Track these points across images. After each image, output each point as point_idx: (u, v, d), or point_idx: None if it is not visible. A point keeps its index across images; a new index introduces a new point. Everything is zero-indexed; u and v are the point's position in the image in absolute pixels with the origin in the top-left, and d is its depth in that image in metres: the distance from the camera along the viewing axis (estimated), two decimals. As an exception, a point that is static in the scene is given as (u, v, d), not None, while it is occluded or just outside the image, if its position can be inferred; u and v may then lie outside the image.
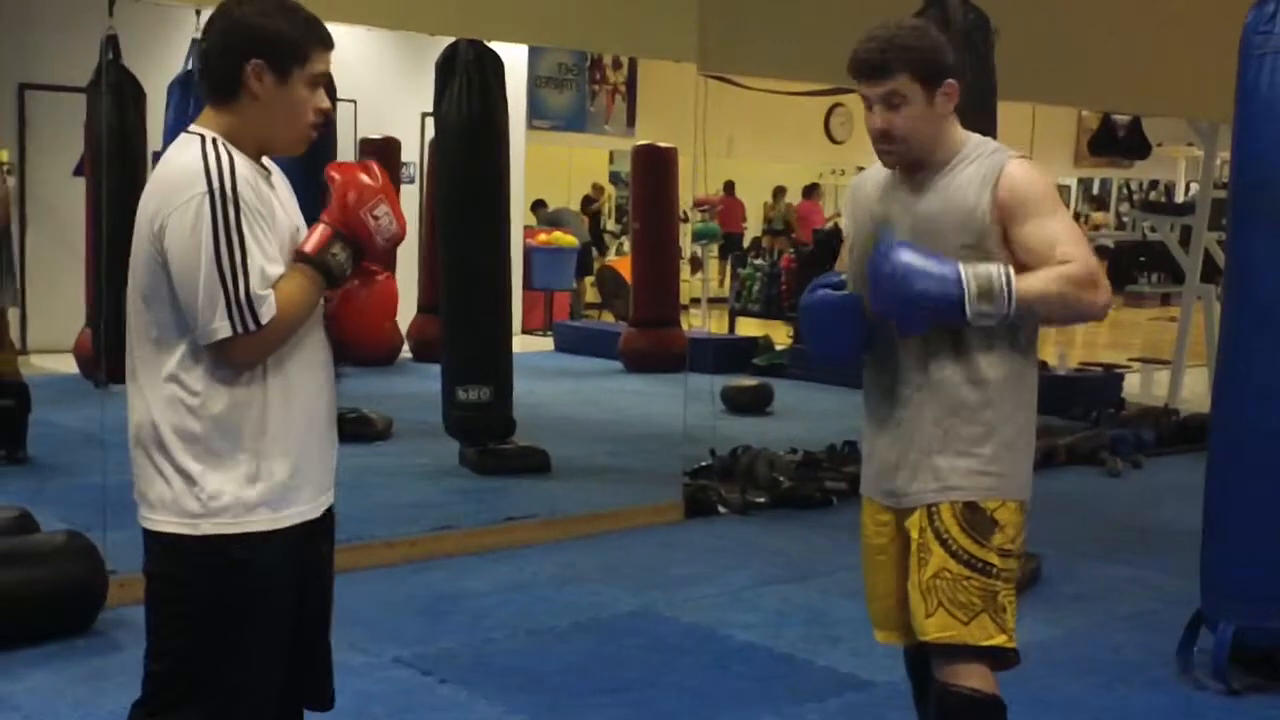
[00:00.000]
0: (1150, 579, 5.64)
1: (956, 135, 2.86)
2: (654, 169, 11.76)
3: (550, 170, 17.05)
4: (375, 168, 2.56)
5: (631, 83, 17.18)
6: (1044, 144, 10.60)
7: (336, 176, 2.51)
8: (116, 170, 7.32)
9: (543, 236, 14.88)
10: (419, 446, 7.73)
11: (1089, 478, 7.81)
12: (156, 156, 8.44)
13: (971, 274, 2.70)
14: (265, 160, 2.54)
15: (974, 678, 2.87)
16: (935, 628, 2.86)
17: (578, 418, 9.20)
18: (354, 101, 10.87)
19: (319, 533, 2.61)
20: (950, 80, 2.80)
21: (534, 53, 14.45)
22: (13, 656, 4.22)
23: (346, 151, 10.56)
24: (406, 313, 11.82)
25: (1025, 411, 2.90)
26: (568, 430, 8.36)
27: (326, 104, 2.53)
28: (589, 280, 16.26)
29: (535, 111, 15.45)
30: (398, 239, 2.54)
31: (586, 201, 18.51)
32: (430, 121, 9.15)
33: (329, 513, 2.64)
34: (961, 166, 2.82)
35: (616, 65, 17.10)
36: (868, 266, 2.80)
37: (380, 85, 12.26)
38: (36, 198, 11.14)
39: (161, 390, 2.43)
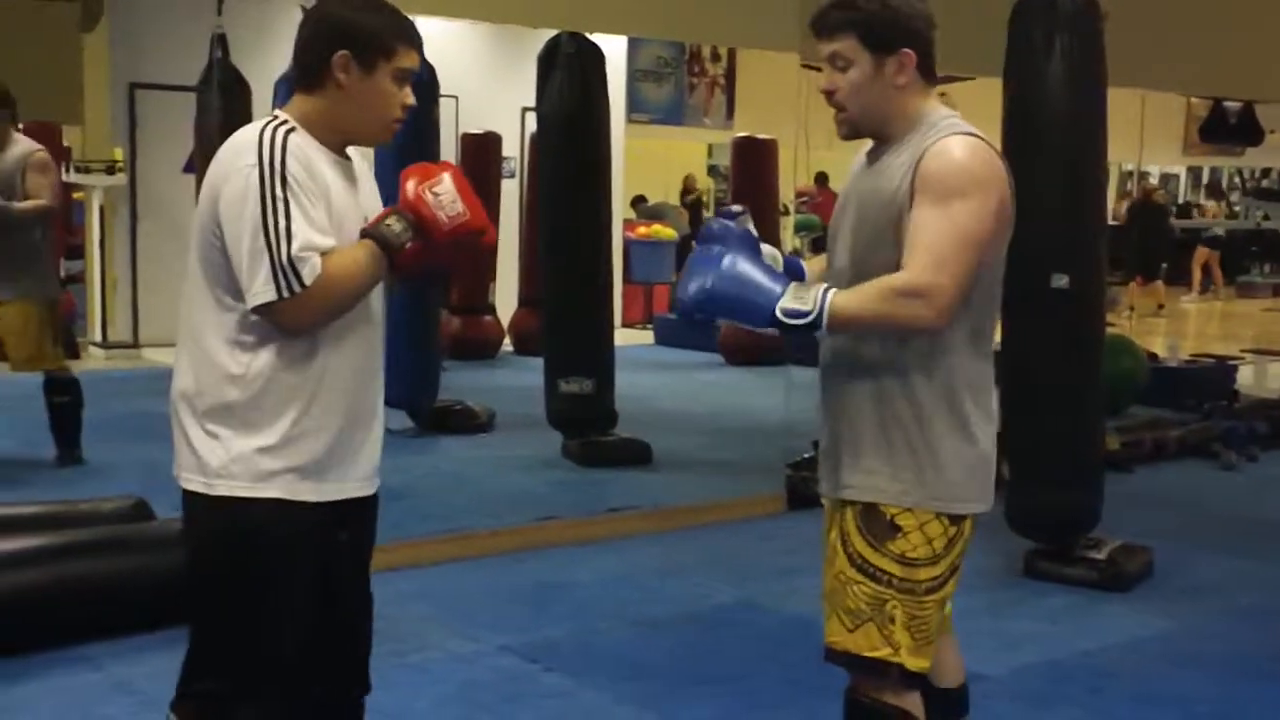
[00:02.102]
0: (1264, 573, 5.53)
1: (918, 111, 2.68)
2: (753, 161, 11.72)
3: (648, 163, 17.05)
4: (446, 162, 2.65)
5: (730, 75, 17.13)
6: (1153, 131, 10.43)
7: (406, 173, 2.58)
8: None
9: (642, 230, 14.90)
10: (521, 438, 7.77)
11: (1201, 471, 7.66)
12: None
13: (794, 285, 2.57)
14: (351, 151, 2.61)
15: (872, 686, 2.74)
16: (827, 633, 2.77)
17: (678, 410, 9.20)
18: (455, 97, 10.94)
19: (350, 520, 2.64)
20: (906, 50, 2.63)
21: (633, 46, 14.46)
22: (131, 642, 4.30)
23: (449, 145, 10.65)
24: (508, 306, 11.91)
25: (959, 414, 2.67)
26: (668, 422, 8.36)
27: (412, 99, 2.59)
28: (689, 273, 16.23)
29: (634, 105, 15.46)
30: (466, 221, 2.53)
31: (685, 194, 18.48)
32: (530, 116, 9.19)
33: (367, 504, 2.68)
34: (908, 145, 2.64)
35: (715, 57, 17.06)
36: (696, 251, 2.67)
37: (481, 80, 12.33)
38: (147, 195, 11.36)
39: (209, 356, 2.51)
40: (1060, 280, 5.05)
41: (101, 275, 11.54)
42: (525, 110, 12.20)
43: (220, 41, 6.99)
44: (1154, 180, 23.29)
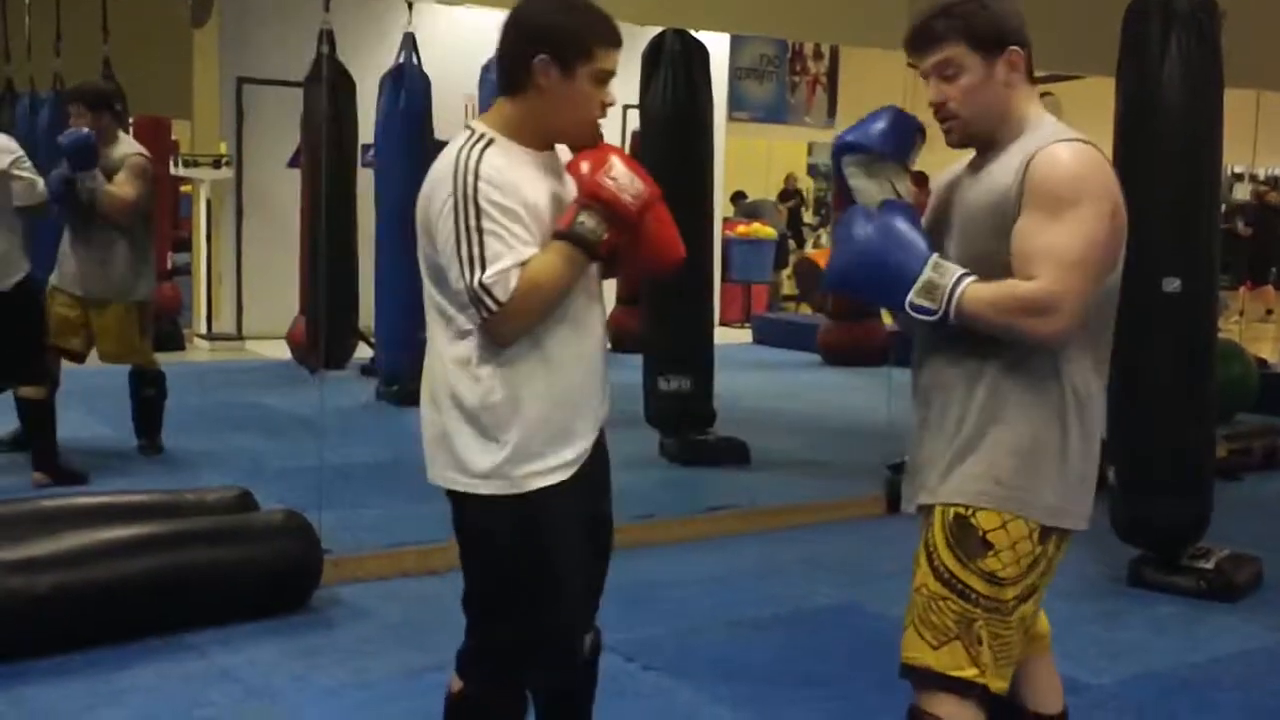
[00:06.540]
0: (1381, 587, 5.38)
1: (1025, 114, 2.59)
2: (856, 160, 11.61)
3: (748, 161, 17.01)
4: (605, 144, 2.69)
5: (833, 74, 17.03)
6: (1266, 132, 10.19)
7: (575, 164, 2.64)
8: (331, 162, 7.52)
9: (741, 228, 14.86)
10: (620, 436, 7.59)
11: (1313, 479, 7.49)
12: (365, 149, 8.59)
13: (935, 262, 2.50)
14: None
15: (943, 706, 2.60)
16: (904, 646, 2.66)
17: (777, 410, 9.15)
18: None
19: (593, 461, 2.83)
20: (1014, 48, 2.55)
21: (735, 43, 14.43)
22: (234, 630, 4.36)
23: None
24: (606, 304, 11.92)
25: (1063, 425, 2.57)
26: (767, 422, 8.32)
27: (612, 99, 2.68)
28: (786, 272, 16.19)
29: (735, 103, 15.42)
30: (647, 195, 2.64)
31: (785, 194, 18.42)
32: (632, 113, 9.19)
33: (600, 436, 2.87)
34: (1015, 149, 2.53)
35: (817, 56, 16.98)
36: (844, 217, 2.64)
37: (583, 78, 12.37)
38: (253, 189, 11.53)
39: (457, 365, 2.63)
40: (1172, 284, 4.95)
41: (208, 268, 11.73)
42: (626, 108, 12.21)
43: (327, 37, 7.05)
44: (1261, 181, 22.82)
